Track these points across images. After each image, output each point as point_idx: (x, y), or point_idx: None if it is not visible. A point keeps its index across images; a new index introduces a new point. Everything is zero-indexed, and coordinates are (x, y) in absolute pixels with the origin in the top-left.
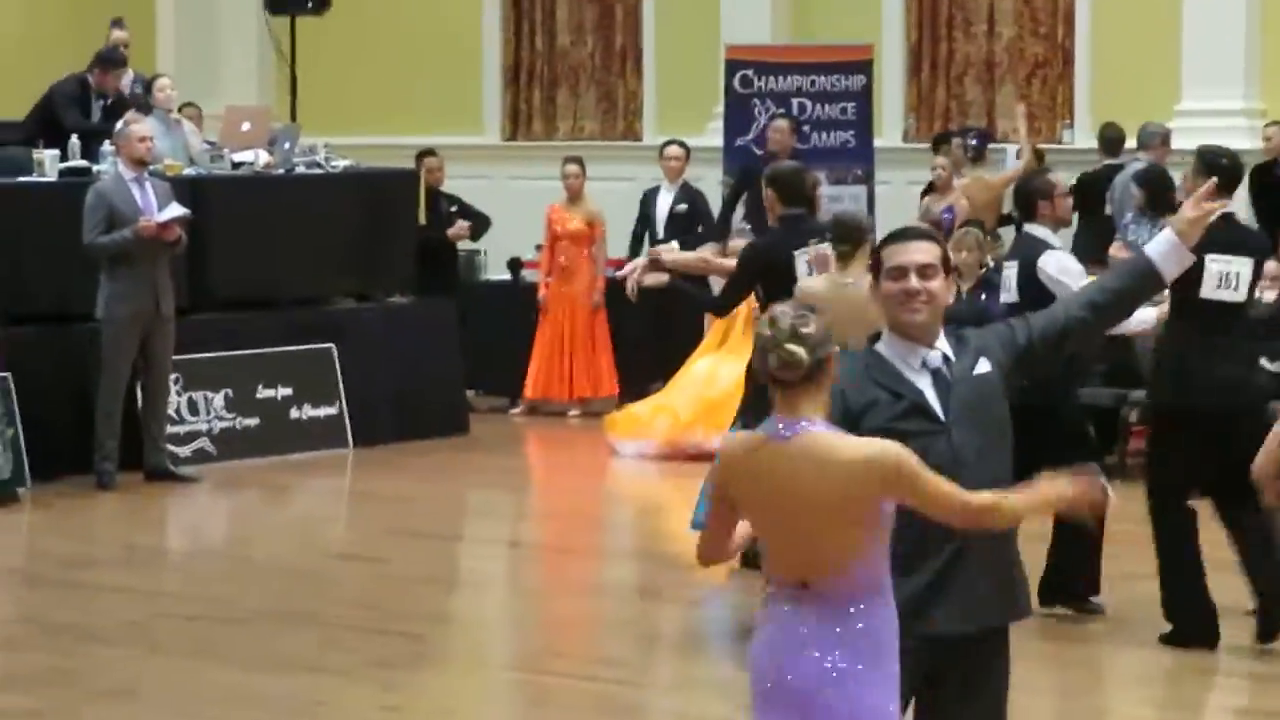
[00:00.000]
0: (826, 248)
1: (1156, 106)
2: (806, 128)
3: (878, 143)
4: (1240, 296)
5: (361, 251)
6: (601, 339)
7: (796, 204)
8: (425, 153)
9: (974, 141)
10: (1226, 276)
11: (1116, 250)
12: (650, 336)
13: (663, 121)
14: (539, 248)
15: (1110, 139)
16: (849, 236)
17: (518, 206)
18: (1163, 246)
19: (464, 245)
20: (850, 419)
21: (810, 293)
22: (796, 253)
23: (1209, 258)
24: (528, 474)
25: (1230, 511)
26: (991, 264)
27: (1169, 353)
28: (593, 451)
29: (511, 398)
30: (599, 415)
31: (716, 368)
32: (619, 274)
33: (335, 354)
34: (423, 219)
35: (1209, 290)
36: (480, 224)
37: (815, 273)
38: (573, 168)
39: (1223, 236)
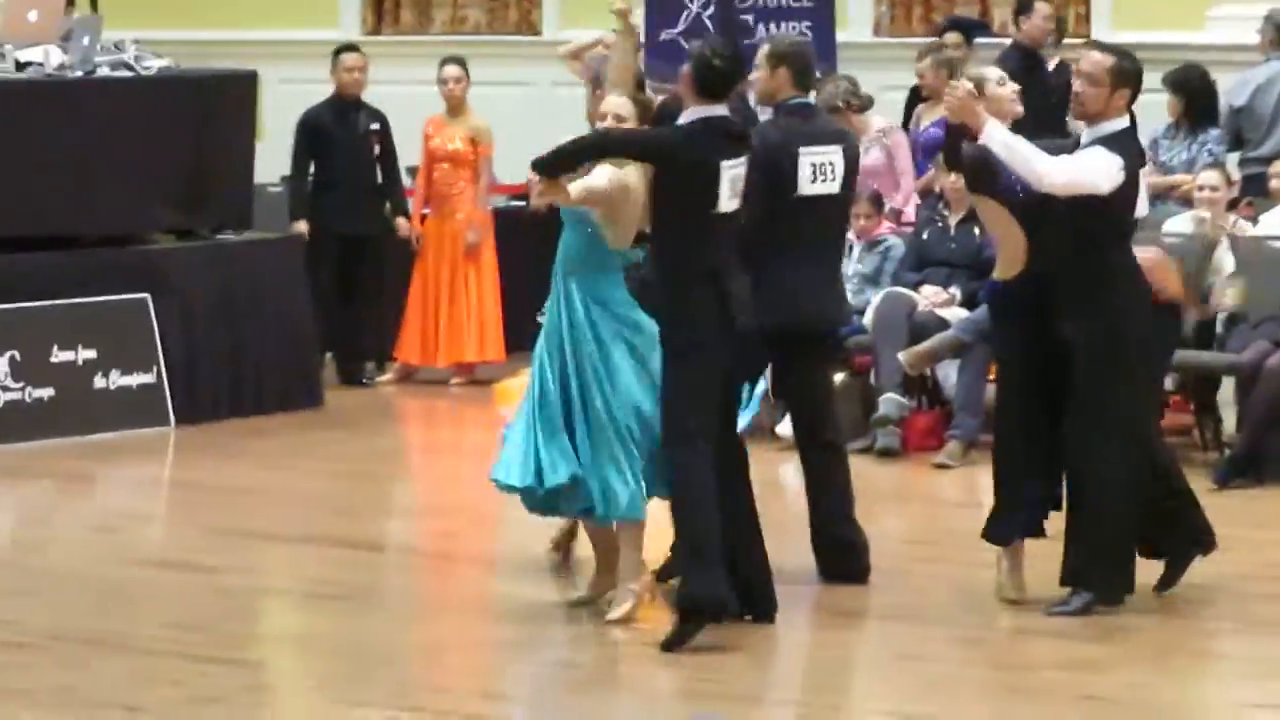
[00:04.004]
0: None
1: None
2: (750, 17)
3: (841, 37)
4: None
5: (184, 176)
6: (487, 286)
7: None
8: (343, 48)
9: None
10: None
11: (1145, 174)
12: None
13: (566, 9)
14: (411, 172)
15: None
16: None
17: None
18: None
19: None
20: None
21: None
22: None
23: None
24: (397, 459)
25: None
26: None
27: None
28: (481, 430)
29: (378, 361)
30: (488, 384)
31: None
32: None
33: (151, 306)
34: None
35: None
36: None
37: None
38: (452, 70)
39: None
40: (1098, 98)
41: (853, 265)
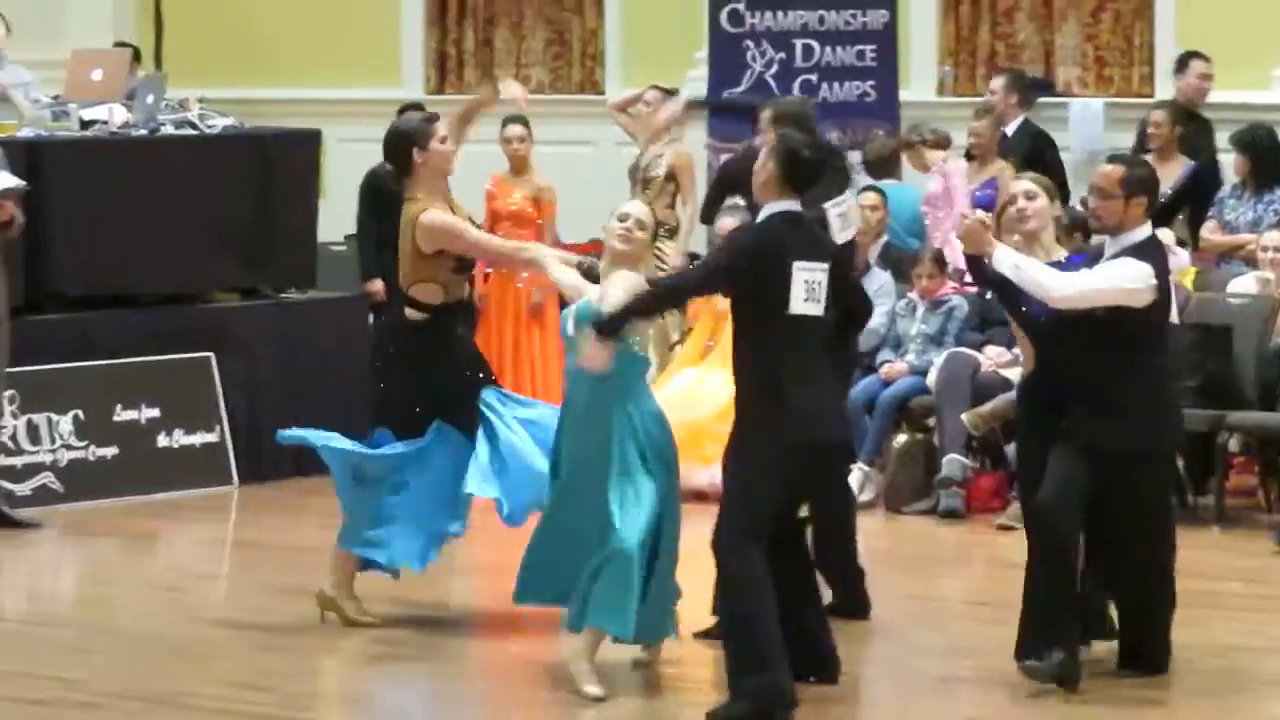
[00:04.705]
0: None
1: (1260, 47)
2: (814, 77)
3: (905, 96)
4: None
5: (248, 234)
6: (552, 346)
7: None
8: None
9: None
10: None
11: (1210, 233)
12: None
13: (629, 69)
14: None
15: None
16: None
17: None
18: None
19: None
20: None
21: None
22: (827, 205)
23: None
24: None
25: None
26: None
27: None
28: None
29: None
30: None
31: (700, 383)
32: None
33: (214, 365)
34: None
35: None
36: None
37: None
38: (515, 129)
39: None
40: (1113, 210)
41: (916, 325)
